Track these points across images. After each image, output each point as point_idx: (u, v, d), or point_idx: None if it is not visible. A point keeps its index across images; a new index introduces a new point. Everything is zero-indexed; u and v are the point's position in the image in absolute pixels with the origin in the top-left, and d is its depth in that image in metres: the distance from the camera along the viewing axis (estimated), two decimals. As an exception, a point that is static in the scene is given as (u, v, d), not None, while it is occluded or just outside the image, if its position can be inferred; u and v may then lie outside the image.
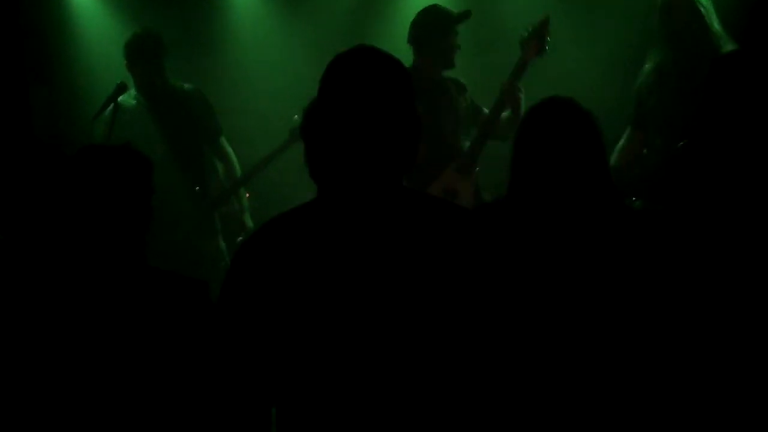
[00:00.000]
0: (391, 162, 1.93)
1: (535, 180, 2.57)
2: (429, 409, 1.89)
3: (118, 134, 4.45)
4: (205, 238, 4.99)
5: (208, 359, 1.98)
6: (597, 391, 2.47)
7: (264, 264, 1.92)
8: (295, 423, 1.94)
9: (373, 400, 1.87)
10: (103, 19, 5.91)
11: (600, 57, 5.45)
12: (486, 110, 4.74)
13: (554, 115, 2.59)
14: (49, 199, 2.65)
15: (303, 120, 2.00)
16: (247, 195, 5.23)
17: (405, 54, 4.59)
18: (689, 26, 4.33)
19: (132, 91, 4.94)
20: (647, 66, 4.47)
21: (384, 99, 1.91)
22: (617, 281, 2.50)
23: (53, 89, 5.77)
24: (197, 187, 5.01)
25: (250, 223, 5.10)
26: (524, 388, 2.08)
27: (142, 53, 4.91)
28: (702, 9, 4.32)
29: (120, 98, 4.72)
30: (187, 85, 5.08)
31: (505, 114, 4.62)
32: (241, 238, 4.92)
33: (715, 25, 4.31)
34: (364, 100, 1.90)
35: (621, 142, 4.50)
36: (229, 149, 5.17)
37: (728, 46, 4.23)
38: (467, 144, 4.69)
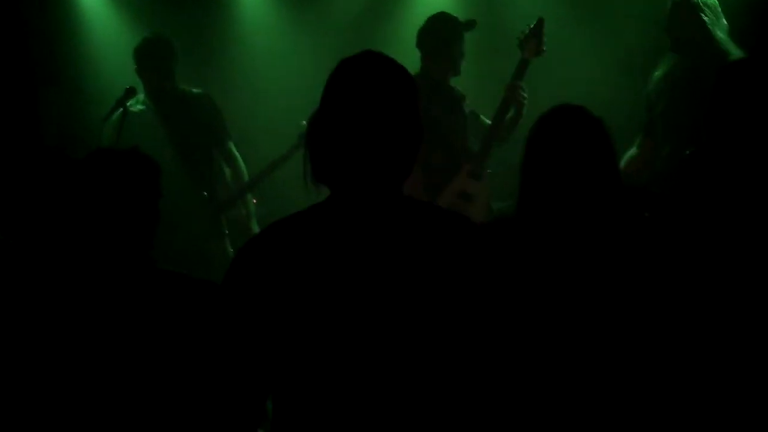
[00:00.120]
0: (391, 168, 1.94)
1: (546, 188, 2.56)
2: (426, 410, 1.89)
3: (126, 138, 4.45)
4: (212, 242, 4.99)
5: (208, 357, 1.99)
6: (609, 400, 2.46)
7: (262, 265, 1.93)
8: (292, 423, 1.94)
9: (370, 401, 1.88)
10: (112, 22, 5.93)
11: (610, 63, 5.47)
12: (483, 117, 4.83)
13: (565, 122, 2.58)
14: (57, 202, 2.65)
15: (307, 124, 2.01)
16: (254, 200, 5.23)
17: (413, 58, 4.63)
18: (693, 35, 4.33)
19: (141, 96, 4.95)
20: (657, 72, 4.48)
21: (387, 105, 1.92)
22: (628, 288, 2.49)
23: (62, 91, 5.78)
24: (205, 192, 5.02)
25: (256, 228, 5.10)
26: (530, 396, 2.08)
27: (153, 58, 4.92)
28: (706, 18, 4.31)
29: (129, 102, 4.74)
30: (196, 90, 5.09)
31: (508, 115, 4.69)
32: (246, 242, 4.92)
33: (719, 33, 4.30)
34: (368, 106, 1.91)
35: (631, 149, 4.50)
36: (237, 154, 5.17)
37: (734, 54, 4.22)
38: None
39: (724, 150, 2.84)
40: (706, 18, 4.32)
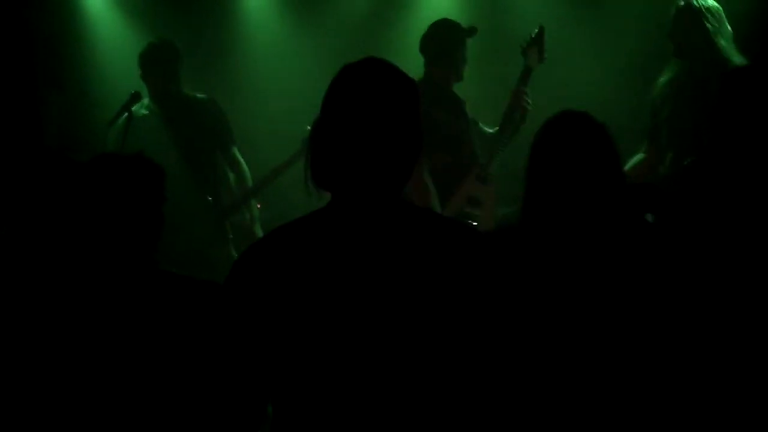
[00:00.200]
0: (391, 174, 1.94)
1: (551, 193, 2.57)
2: (426, 416, 1.89)
3: (131, 143, 4.45)
4: (216, 246, 4.99)
5: (210, 359, 2.00)
6: (614, 405, 2.46)
7: (262, 270, 1.94)
8: (292, 426, 1.94)
9: (369, 405, 1.88)
10: (117, 25, 5.94)
11: (612, 67, 5.48)
12: (482, 124, 4.89)
13: (570, 128, 2.59)
14: (62, 206, 2.66)
15: (310, 130, 2.02)
16: (258, 205, 5.24)
17: (417, 63, 4.67)
18: (696, 41, 4.33)
19: (145, 100, 4.95)
20: (662, 78, 4.48)
21: (388, 112, 1.92)
22: (632, 295, 2.49)
23: (66, 95, 5.79)
24: (209, 197, 5.02)
25: (260, 232, 5.09)
26: (535, 404, 2.08)
27: (158, 63, 4.93)
28: (709, 25, 4.31)
29: (134, 107, 4.74)
30: (201, 95, 5.09)
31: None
32: (249, 248, 4.92)
33: (722, 40, 4.30)
34: (369, 113, 1.91)
35: (636, 155, 4.51)
36: (241, 159, 5.17)
37: (736, 61, 4.22)
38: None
39: (726, 156, 2.85)
40: (709, 25, 4.32)
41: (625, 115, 4.62)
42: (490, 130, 4.90)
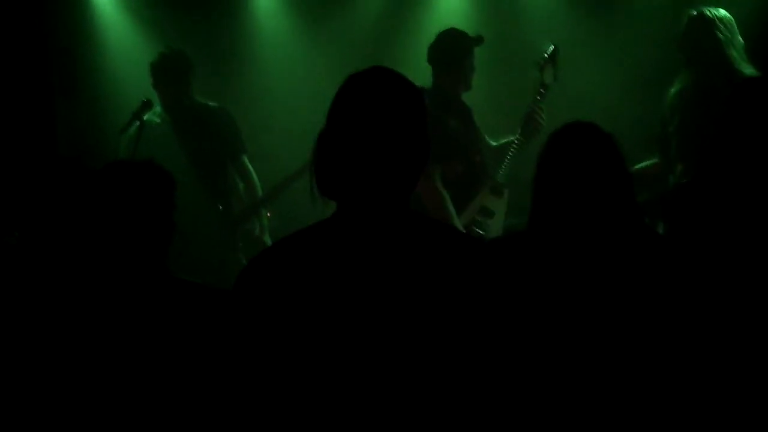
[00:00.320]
0: (397, 183, 1.95)
1: (558, 204, 2.57)
2: (432, 425, 1.89)
3: (142, 151, 4.47)
4: (226, 254, 5.00)
5: (215, 364, 2.01)
6: (615, 412, 2.46)
7: (268, 280, 1.94)
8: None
9: (373, 414, 1.88)
10: (129, 33, 5.96)
11: (623, 78, 5.48)
12: (486, 136, 4.90)
13: (577, 139, 2.59)
14: (73, 212, 2.68)
15: (316, 139, 2.01)
16: (268, 214, 5.24)
17: (429, 69, 4.67)
18: (707, 51, 4.32)
19: (157, 108, 4.96)
20: (673, 89, 4.48)
21: (394, 121, 1.92)
22: (637, 305, 2.49)
23: (79, 102, 5.81)
24: (220, 205, 5.03)
25: (269, 242, 5.09)
26: (536, 414, 2.07)
27: (169, 73, 4.93)
28: (721, 35, 4.30)
29: (145, 115, 4.75)
30: (212, 103, 5.10)
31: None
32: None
33: (734, 51, 4.29)
34: (375, 122, 1.91)
35: (643, 164, 4.51)
36: (251, 168, 5.17)
37: (747, 72, 4.21)
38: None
39: (733, 167, 2.84)
40: (721, 35, 4.31)
41: (635, 126, 4.63)
42: (494, 143, 4.92)
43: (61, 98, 5.66)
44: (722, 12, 4.38)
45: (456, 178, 4.60)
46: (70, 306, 2.44)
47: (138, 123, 4.70)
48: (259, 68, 6.10)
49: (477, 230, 4.62)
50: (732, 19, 4.38)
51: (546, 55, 4.81)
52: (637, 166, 4.36)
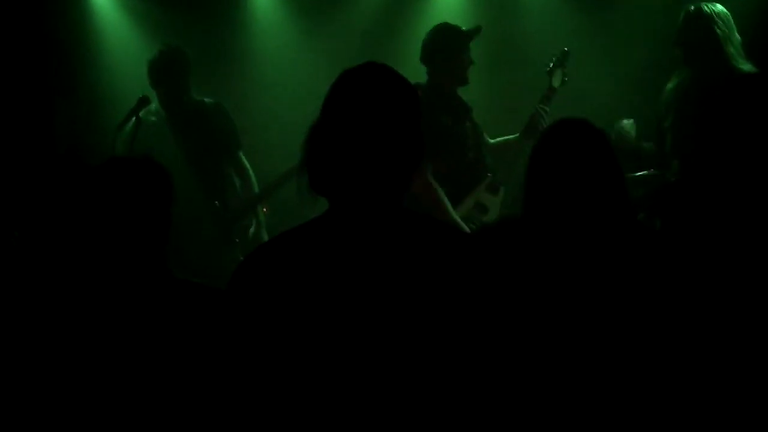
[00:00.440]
0: (391, 181, 1.94)
1: (550, 200, 2.58)
2: (427, 421, 1.89)
3: (139, 148, 4.47)
4: (223, 251, 5.00)
5: (212, 362, 2.01)
6: (609, 406, 2.46)
7: (262, 278, 1.95)
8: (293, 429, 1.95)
9: (369, 410, 1.89)
10: (127, 31, 5.97)
11: (622, 76, 5.48)
12: (485, 135, 4.89)
13: (568, 135, 2.59)
14: (71, 209, 2.68)
15: (307, 133, 2.01)
16: (265, 210, 5.24)
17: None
18: (703, 47, 4.32)
19: (153, 105, 4.96)
20: (669, 85, 4.47)
21: (388, 117, 1.92)
22: (629, 299, 2.49)
23: (76, 100, 5.81)
24: (216, 201, 5.03)
25: (266, 238, 5.08)
26: (533, 408, 2.08)
27: (167, 72, 4.93)
28: (719, 31, 4.29)
29: (142, 112, 4.75)
30: (208, 100, 5.09)
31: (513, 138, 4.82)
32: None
33: (731, 47, 4.28)
34: (368, 118, 1.91)
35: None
36: (247, 164, 5.17)
37: (744, 68, 4.21)
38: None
39: (727, 162, 2.83)
40: (719, 30, 4.30)
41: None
42: (492, 141, 4.91)
43: (59, 97, 5.65)
44: (719, 7, 4.37)
45: (446, 174, 4.57)
46: (71, 304, 2.45)
47: (135, 120, 4.69)
48: (257, 65, 6.11)
49: (470, 225, 4.62)
50: (729, 15, 4.37)
51: (556, 58, 4.80)
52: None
